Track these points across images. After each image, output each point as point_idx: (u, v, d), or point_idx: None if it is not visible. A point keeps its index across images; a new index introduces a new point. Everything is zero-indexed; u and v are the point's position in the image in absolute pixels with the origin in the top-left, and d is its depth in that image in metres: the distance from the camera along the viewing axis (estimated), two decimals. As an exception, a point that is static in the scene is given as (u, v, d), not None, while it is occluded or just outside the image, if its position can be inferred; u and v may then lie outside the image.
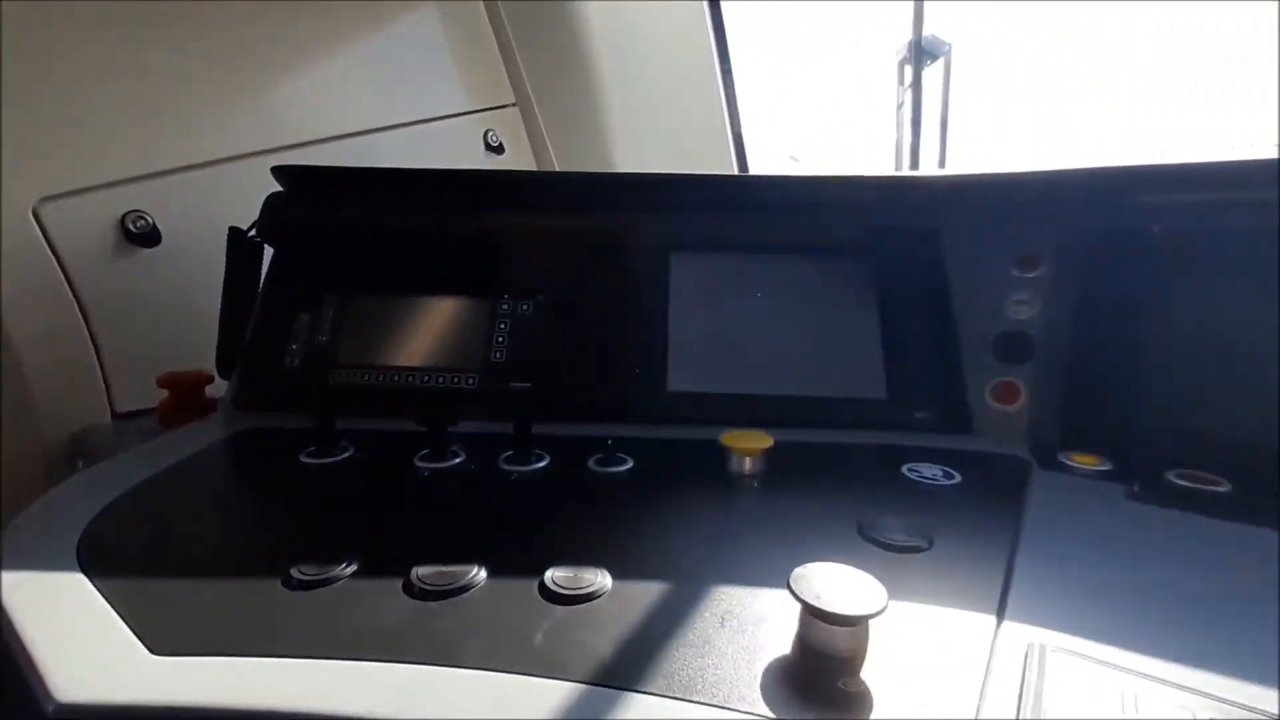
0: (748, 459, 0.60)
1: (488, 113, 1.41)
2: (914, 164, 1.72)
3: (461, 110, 1.34)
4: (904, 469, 0.61)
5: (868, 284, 0.80)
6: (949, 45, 1.69)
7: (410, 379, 0.73)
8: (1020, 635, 0.35)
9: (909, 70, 1.70)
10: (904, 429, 0.73)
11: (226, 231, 0.79)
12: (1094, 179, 0.76)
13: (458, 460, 0.61)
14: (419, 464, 0.60)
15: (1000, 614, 0.37)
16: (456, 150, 1.36)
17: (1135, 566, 0.45)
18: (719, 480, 0.59)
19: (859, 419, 0.74)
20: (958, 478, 0.60)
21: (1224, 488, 0.58)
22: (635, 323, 0.76)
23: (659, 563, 0.43)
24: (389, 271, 0.78)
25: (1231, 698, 0.30)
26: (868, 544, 0.46)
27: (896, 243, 0.82)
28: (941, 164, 1.91)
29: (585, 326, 0.76)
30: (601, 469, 0.60)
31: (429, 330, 0.76)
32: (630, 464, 0.61)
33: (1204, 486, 0.57)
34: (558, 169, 1.52)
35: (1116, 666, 0.32)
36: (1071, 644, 0.34)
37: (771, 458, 0.61)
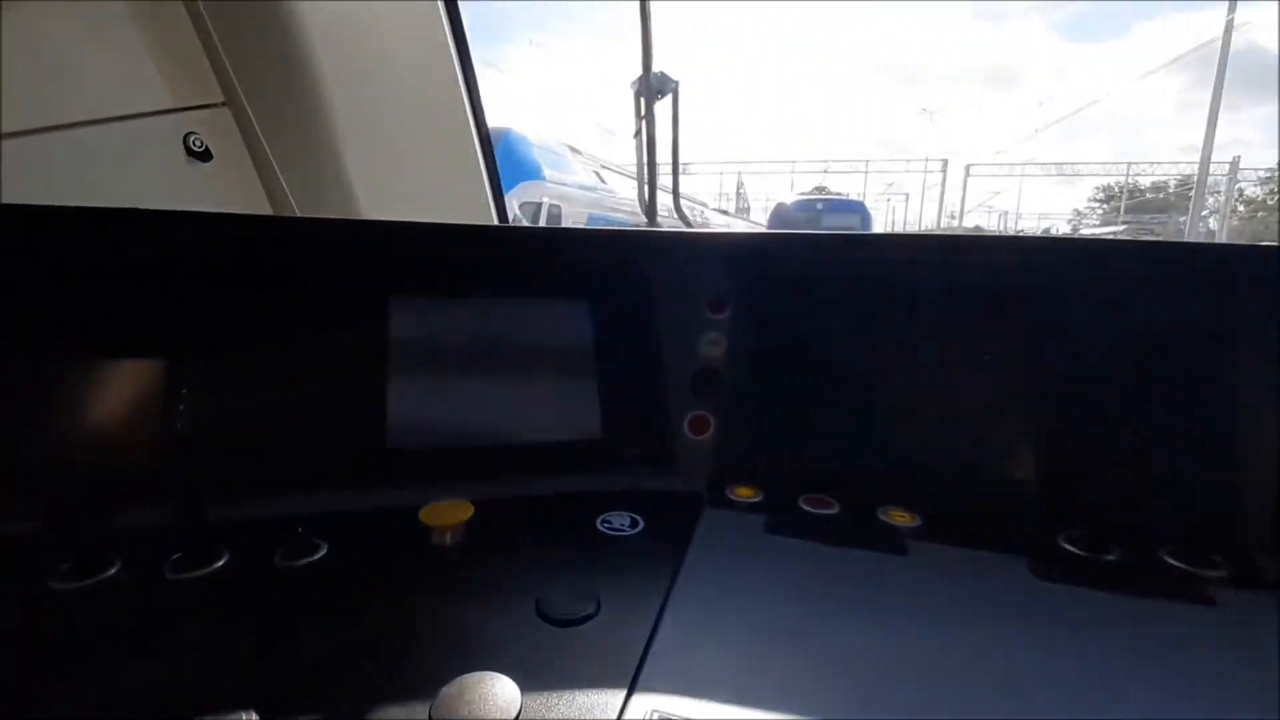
0: (449, 532, 0.61)
1: (191, 112, 1.21)
2: (650, 188, 1.92)
3: (150, 110, 1.13)
4: (598, 522, 0.67)
5: (586, 328, 0.85)
6: (676, 82, 1.91)
7: (58, 464, 0.58)
8: (646, 704, 0.41)
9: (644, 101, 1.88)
10: (618, 468, 0.81)
11: None
12: (750, 242, 0.92)
13: (109, 572, 0.51)
14: (54, 585, 0.48)
15: (632, 686, 0.43)
16: (146, 155, 1.15)
17: (766, 606, 0.54)
18: (418, 558, 0.58)
19: (578, 462, 0.79)
20: (641, 525, 0.67)
21: (833, 509, 0.72)
22: (343, 378, 0.72)
23: (310, 700, 0.40)
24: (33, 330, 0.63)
25: None
26: (542, 621, 0.49)
27: (610, 287, 0.87)
28: (675, 188, 2.17)
29: (285, 386, 0.69)
30: (288, 563, 0.55)
31: (88, 402, 0.62)
32: (324, 551, 0.57)
33: (820, 511, 0.72)
34: (280, 176, 1.37)
35: None
36: (689, 709, 0.41)
37: (474, 525, 0.62)
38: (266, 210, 1.27)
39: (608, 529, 0.66)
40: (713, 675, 0.45)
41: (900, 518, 0.71)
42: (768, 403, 0.86)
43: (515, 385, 0.80)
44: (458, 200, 1.65)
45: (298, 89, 1.35)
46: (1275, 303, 0.70)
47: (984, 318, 0.80)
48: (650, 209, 1.98)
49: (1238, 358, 0.72)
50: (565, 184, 8.11)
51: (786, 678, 0.45)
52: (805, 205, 14.22)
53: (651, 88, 1.76)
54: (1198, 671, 0.48)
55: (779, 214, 14.33)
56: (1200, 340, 0.74)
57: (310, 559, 0.56)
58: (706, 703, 0.42)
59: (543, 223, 7.45)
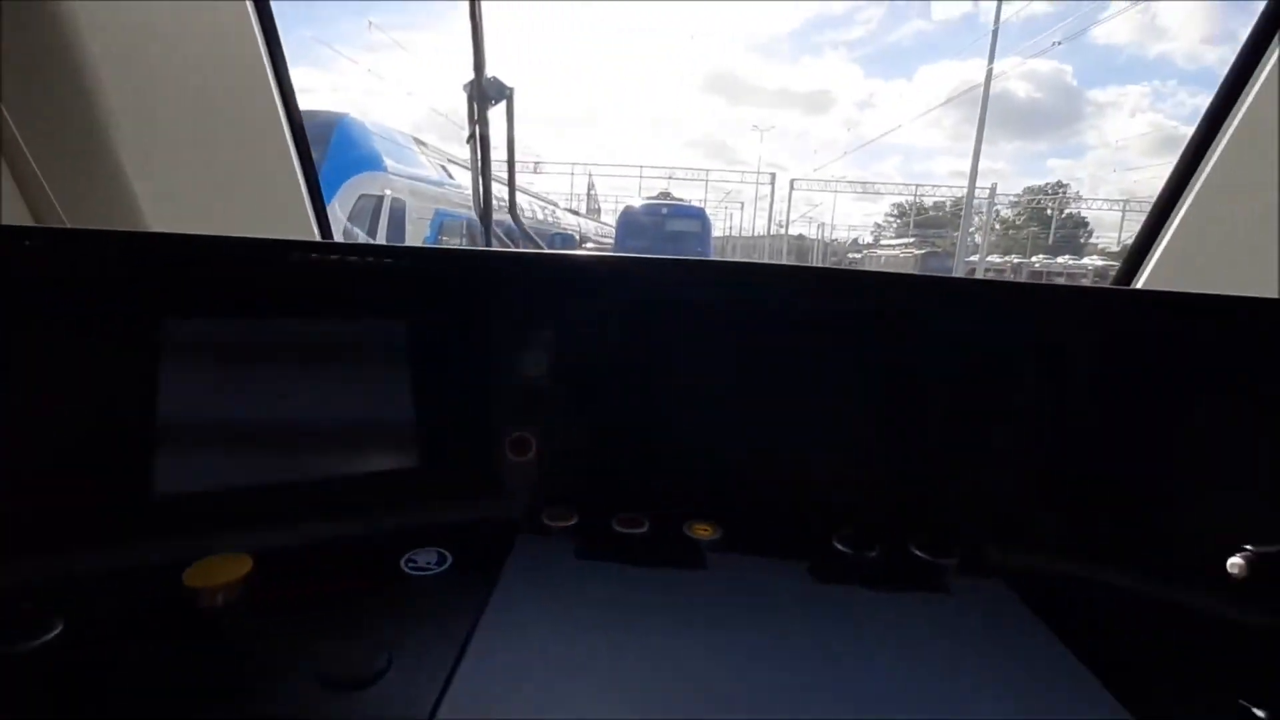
0: (219, 593, 0.54)
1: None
2: (485, 191, 1.87)
3: None
4: (403, 562, 0.64)
5: (396, 349, 0.79)
6: (511, 89, 1.88)
7: None
8: None
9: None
10: (431, 500, 0.78)
11: None
12: (576, 264, 0.93)
13: None
14: None
15: None
16: None
17: (568, 634, 0.55)
18: (180, 628, 0.51)
19: (384, 496, 0.75)
20: (450, 561, 0.65)
21: (644, 528, 0.76)
22: (95, 412, 0.62)
23: None
24: None
25: None
26: (325, 690, 0.46)
27: (424, 305, 0.82)
28: (511, 196, 2.13)
29: (18, 424, 0.59)
30: (9, 647, 0.47)
31: None
32: (59, 629, 0.48)
33: (631, 530, 0.75)
34: (40, 177, 1.13)
35: None
36: None
37: (253, 582, 0.56)
38: (28, 222, 1.06)
39: (412, 569, 0.64)
40: (510, 713, 0.45)
41: (703, 531, 0.77)
42: (587, 422, 0.88)
43: (312, 414, 0.74)
44: (269, 204, 1.48)
45: (64, 84, 1.12)
46: (1026, 331, 0.86)
47: (779, 339, 0.90)
48: (485, 216, 1.93)
49: (979, 375, 0.88)
50: (412, 177, 7.57)
51: (579, 704, 0.47)
52: (651, 209, 14.73)
53: (484, 93, 1.71)
54: (933, 643, 0.59)
55: (627, 216, 14.71)
56: (952, 357, 0.89)
57: (40, 640, 0.47)
58: None
59: (384, 219, 6.91)
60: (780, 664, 0.54)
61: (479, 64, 1.72)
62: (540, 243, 5.14)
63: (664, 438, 0.87)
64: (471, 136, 1.84)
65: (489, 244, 1.98)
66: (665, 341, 0.90)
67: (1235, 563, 0.49)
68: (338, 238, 6.25)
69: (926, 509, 0.80)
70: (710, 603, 0.63)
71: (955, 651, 0.58)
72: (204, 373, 0.67)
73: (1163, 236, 1.28)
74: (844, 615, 0.62)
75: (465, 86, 1.83)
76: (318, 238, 1.38)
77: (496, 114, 1.96)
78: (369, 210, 6.78)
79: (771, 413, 0.87)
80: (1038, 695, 0.51)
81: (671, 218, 14.39)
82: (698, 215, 14.92)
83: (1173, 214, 1.25)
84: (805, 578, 0.69)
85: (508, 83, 1.90)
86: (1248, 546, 0.49)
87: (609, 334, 0.91)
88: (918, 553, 0.75)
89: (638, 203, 15.63)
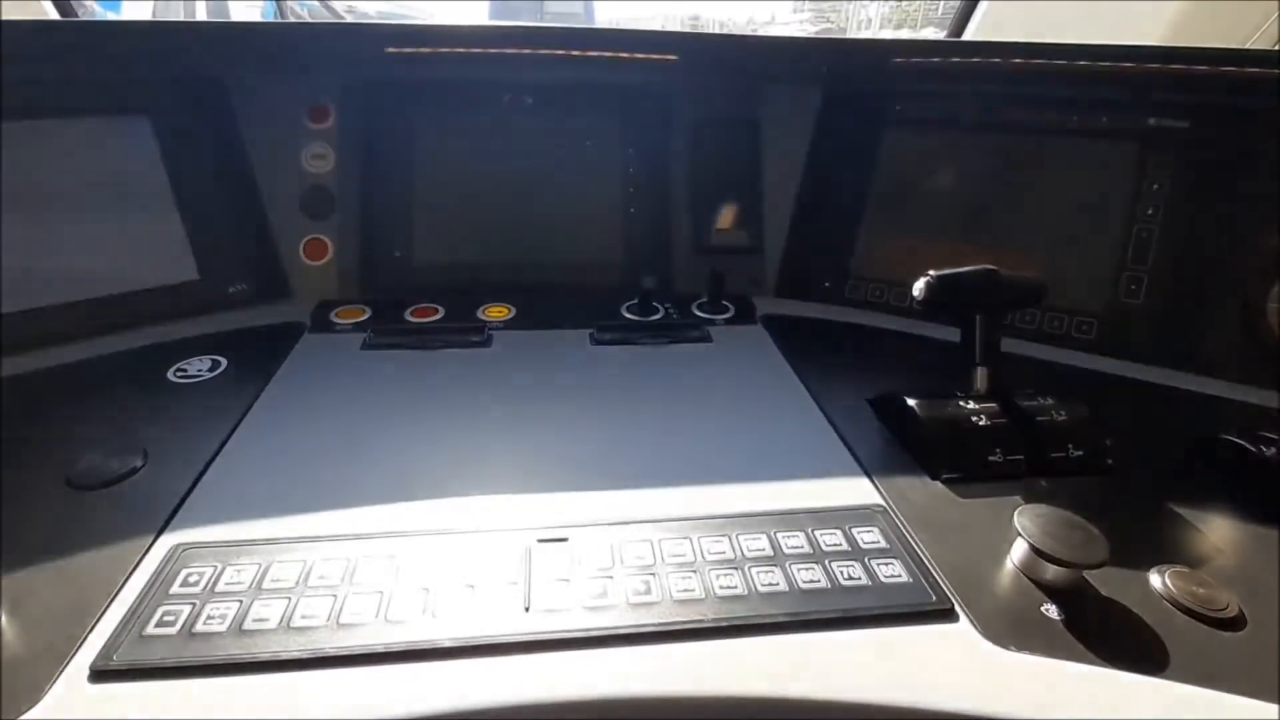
0: None
1: None
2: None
3: None
4: (170, 373, 0.63)
5: (150, 151, 0.72)
6: None
7: None
8: (174, 540, 0.42)
9: None
10: (223, 309, 0.76)
11: None
12: (353, 33, 0.81)
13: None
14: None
15: (162, 529, 0.44)
16: None
17: (339, 420, 0.56)
18: None
19: (161, 309, 0.72)
20: (223, 366, 0.65)
21: (438, 315, 0.76)
22: None
23: None
24: None
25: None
26: (72, 490, 0.47)
27: (174, 100, 0.74)
28: None
29: None
30: None
31: None
32: None
33: (423, 320, 0.75)
34: None
35: (250, 542, 0.42)
36: (226, 534, 0.43)
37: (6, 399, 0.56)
38: None
39: (180, 377, 0.63)
40: (266, 497, 0.47)
41: (497, 312, 0.79)
42: (383, 216, 0.83)
43: (74, 225, 0.68)
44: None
45: None
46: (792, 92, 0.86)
47: (579, 115, 0.86)
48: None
49: (759, 141, 0.89)
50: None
51: (341, 484, 0.48)
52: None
53: None
54: (699, 376, 0.68)
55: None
56: (734, 132, 0.89)
57: None
58: (249, 523, 0.44)
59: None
60: (558, 422, 0.59)
61: None
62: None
63: (464, 224, 0.85)
64: None
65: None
66: (465, 123, 0.84)
67: (918, 285, 0.57)
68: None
69: (714, 279, 0.84)
70: (491, 377, 0.66)
71: (704, 382, 0.67)
72: None
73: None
74: (619, 369, 0.68)
75: None
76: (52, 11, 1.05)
77: None
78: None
79: (568, 190, 0.86)
80: (763, 406, 0.62)
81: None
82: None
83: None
84: (585, 344, 0.73)
85: None
86: (930, 272, 0.56)
87: (399, 122, 0.83)
88: (698, 312, 0.82)
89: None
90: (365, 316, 0.77)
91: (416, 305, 0.79)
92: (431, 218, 0.85)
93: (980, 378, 0.58)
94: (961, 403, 0.56)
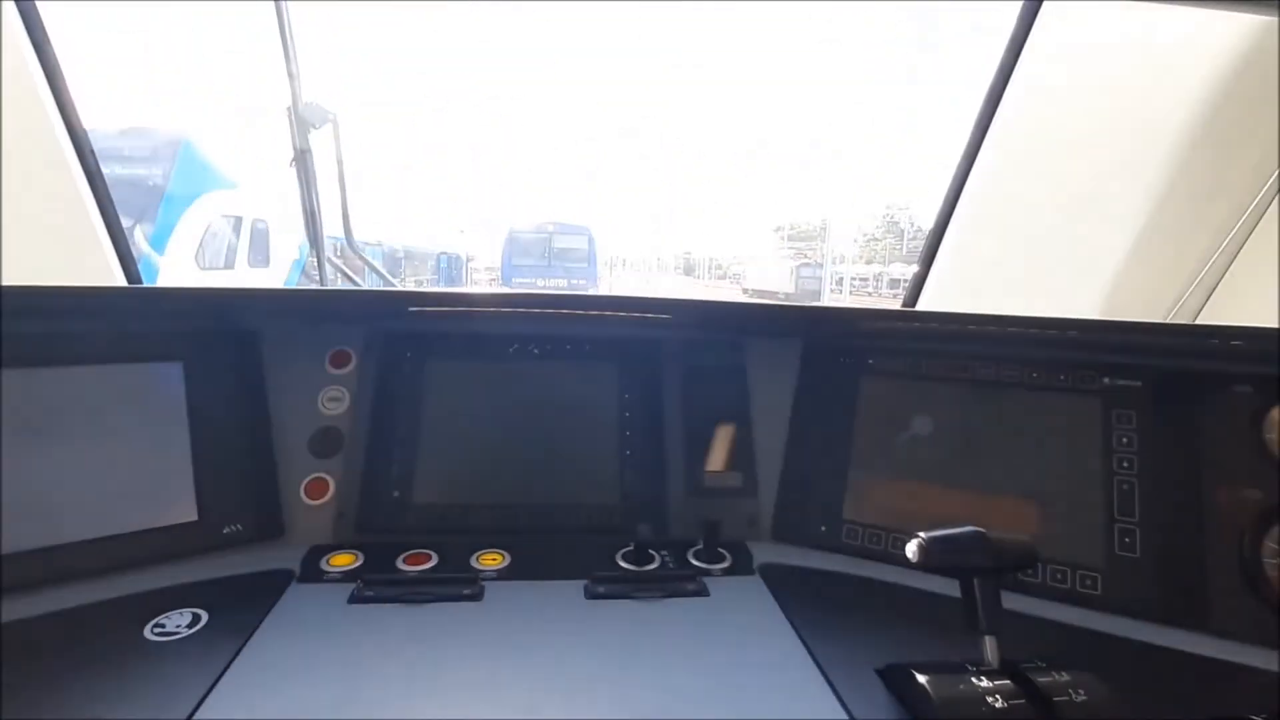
0: None
1: None
2: (311, 214, 1.78)
3: None
4: (147, 630, 0.61)
5: (172, 395, 0.76)
6: (334, 113, 1.81)
7: None
8: None
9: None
10: (216, 550, 0.75)
11: None
12: (376, 299, 0.92)
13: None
14: None
15: None
16: None
17: (320, 683, 0.54)
18: None
19: (164, 551, 0.72)
20: (204, 621, 0.63)
21: (431, 563, 0.75)
22: None
23: None
24: None
25: None
26: None
27: (207, 348, 0.80)
28: (345, 222, 2.04)
29: None
30: None
31: None
32: None
33: (416, 568, 0.74)
34: None
35: None
36: None
37: None
38: None
39: (158, 634, 0.60)
40: None
41: (490, 560, 0.78)
42: (387, 457, 0.86)
43: (86, 466, 0.69)
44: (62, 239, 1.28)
45: None
46: (775, 351, 0.95)
47: (580, 363, 0.94)
48: (316, 240, 1.84)
49: (747, 386, 0.96)
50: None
51: None
52: (539, 227, 14.68)
53: (304, 119, 1.64)
54: (698, 636, 0.65)
55: (513, 237, 14.61)
56: (723, 379, 0.96)
57: None
58: None
59: (245, 241, 6.36)
60: (550, 681, 0.56)
61: (295, 91, 1.65)
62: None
63: (461, 470, 0.88)
64: (293, 161, 1.75)
65: (322, 268, 1.88)
66: (470, 373, 0.91)
67: (911, 548, 0.58)
68: (188, 259, 5.66)
69: (709, 527, 0.84)
70: (484, 632, 0.63)
71: (703, 643, 0.64)
72: None
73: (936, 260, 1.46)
74: (612, 624, 0.66)
75: (287, 109, 1.74)
76: (121, 279, 1.19)
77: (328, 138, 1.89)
78: (229, 229, 6.22)
79: (563, 440, 0.90)
80: (764, 673, 0.59)
81: (559, 234, 14.46)
82: (583, 230, 15.04)
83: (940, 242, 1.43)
84: (579, 598, 0.71)
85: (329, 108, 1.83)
86: (920, 535, 0.57)
87: (413, 369, 0.90)
88: (694, 561, 0.81)
89: (521, 226, 15.47)
90: (357, 564, 0.76)
91: (409, 552, 0.78)
92: (433, 459, 0.88)
93: (990, 649, 0.56)
94: (974, 679, 0.53)
